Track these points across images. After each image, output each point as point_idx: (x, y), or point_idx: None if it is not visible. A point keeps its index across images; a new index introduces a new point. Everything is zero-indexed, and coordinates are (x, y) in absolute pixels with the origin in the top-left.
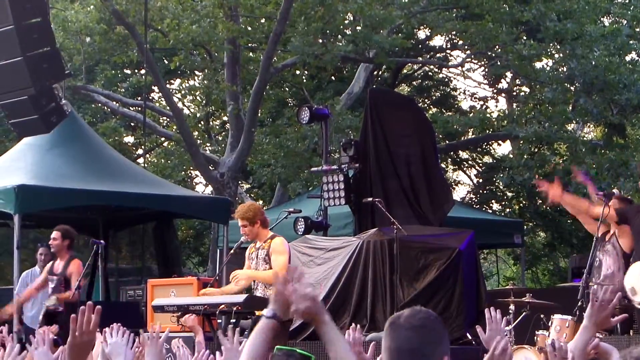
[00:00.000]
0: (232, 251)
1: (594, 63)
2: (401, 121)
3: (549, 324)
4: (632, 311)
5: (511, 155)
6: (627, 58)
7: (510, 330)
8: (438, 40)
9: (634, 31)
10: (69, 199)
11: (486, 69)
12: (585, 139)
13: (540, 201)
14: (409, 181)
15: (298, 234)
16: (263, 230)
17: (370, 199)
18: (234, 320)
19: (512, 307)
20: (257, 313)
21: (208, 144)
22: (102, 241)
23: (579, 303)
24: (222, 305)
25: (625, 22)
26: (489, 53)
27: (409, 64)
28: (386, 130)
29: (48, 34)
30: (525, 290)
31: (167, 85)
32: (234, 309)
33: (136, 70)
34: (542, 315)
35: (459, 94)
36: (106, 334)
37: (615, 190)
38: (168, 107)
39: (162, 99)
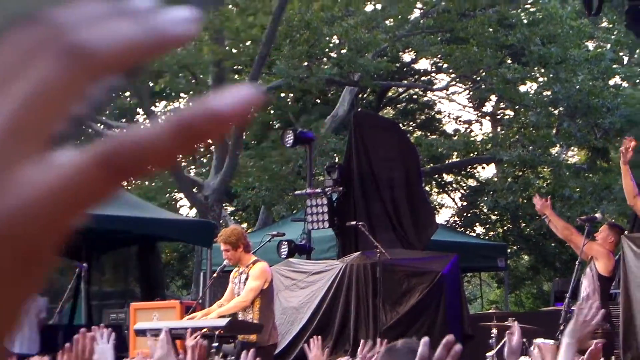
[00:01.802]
0: (215, 274)
1: (577, 87)
2: (385, 145)
3: (531, 348)
4: (612, 337)
5: (495, 179)
6: (611, 82)
7: (493, 356)
8: (423, 64)
9: (618, 55)
10: None
11: (471, 93)
12: (569, 162)
13: (524, 224)
14: (392, 205)
15: (281, 257)
16: (246, 255)
17: (353, 222)
18: (216, 344)
19: (494, 331)
20: (239, 337)
21: (192, 167)
22: (84, 264)
23: (561, 327)
24: (204, 329)
25: (609, 46)
26: (474, 76)
27: (394, 87)
28: (370, 154)
29: None
30: (508, 314)
31: (152, 108)
32: (217, 332)
33: (121, 93)
34: (524, 340)
35: (444, 117)
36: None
37: (597, 215)
38: None
39: (147, 121)
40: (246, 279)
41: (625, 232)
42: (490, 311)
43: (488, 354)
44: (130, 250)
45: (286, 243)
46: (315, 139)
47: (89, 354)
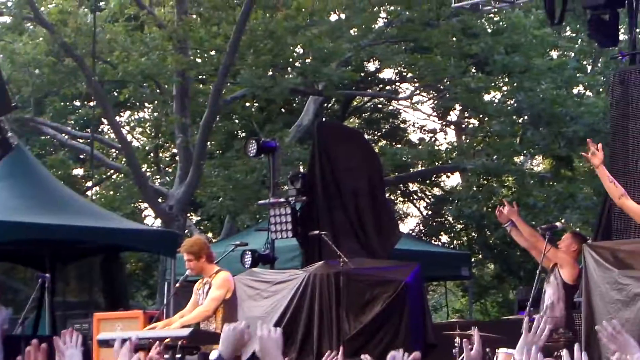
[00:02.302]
0: (177, 285)
1: (541, 96)
2: (349, 154)
3: (495, 357)
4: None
5: (460, 188)
6: (574, 91)
7: None
8: (387, 73)
9: (581, 64)
10: (16, 232)
11: (435, 102)
12: (533, 171)
13: (489, 233)
14: (356, 214)
15: (245, 267)
16: (208, 265)
17: (316, 232)
18: (179, 356)
19: (457, 340)
20: (202, 348)
21: (157, 177)
22: (47, 275)
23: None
24: (167, 339)
25: (573, 55)
26: (438, 86)
27: (359, 97)
28: (333, 163)
29: None
30: (471, 323)
31: (117, 118)
32: (179, 343)
33: (86, 102)
34: (487, 350)
35: (409, 127)
36: (60, 343)
37: (557, 223)
38: (117, 140)
39: (112, 131)
40: (209, 289)
41: (588, 240)
42: (453, 320)
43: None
44: (95, 260)
45: (250, 253)
46: (278, 149)
47: None
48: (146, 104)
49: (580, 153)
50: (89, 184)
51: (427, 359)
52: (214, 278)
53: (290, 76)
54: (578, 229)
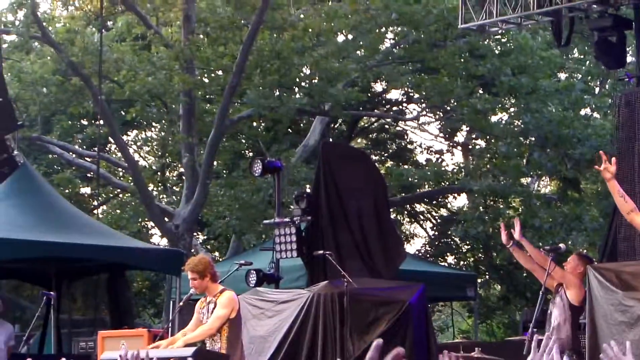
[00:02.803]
0: (181, 303)
1: (548, 117)
2: (354, 174)
3: None
4: None
5: (466, 209)
6: (582, 113)
7: None
8: (394, 94)
9: (588, 86)
10: (22, 250)
11: (442, 123)
12: (539, 192)
13: (495, 254)
14: (361, 234)
15: (250, 286)
16: (213, 285)
17: (321, 251)
18: None
19: None
20: None
21: (164, 196)
22: (52, 293)
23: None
24: (171, 359)
25: (580, 77)
26: (445, 106)
27: (365, 117)
28: (338, 183)
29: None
30: (475, 344)
31: (124, 137)
32: None
33: (93, 121)
34: None
35: (415, 147)
36: None
37: (561, 245)
38: (123, 159)
39: (118, 150)
40: (214, 307)
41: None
42: (457, 341)
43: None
44: (101, 278)
45: (254, 272)
46: (283, 168)
47: None
48: (153, 123)
49: (587, 174)
50: (96, 202)
51: None
52: (219, 297)
53: (297, 96)
54: (585, 251)
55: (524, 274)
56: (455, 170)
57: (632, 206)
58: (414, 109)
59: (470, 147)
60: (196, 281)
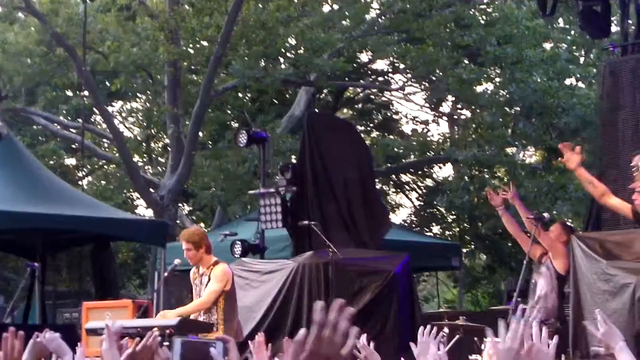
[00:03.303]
0: (165, 274)
1: (533, 87)
2: (339, 145)
3: (482, 347)
4: (564, 335)
5: (451, 179)
6: (566, 82)
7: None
8: (379, 64)
9: (573, 56)
10: (6, 221)
11: (427, 93)
12: (524, 162)
13: (480, 224)
14: (346, 204)
15: (235, 256)
16: (207, 256)
17: (306, 222)
18: (167, 344)
19: (445, 330)
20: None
21: (149, 167)
22: (36, 264)
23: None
24: (155, 328)
25: (565, 46)
26: (430, 77)
27: (351, 88)
28: (324, 154)
29: None
30: (459, 313)
31: (109, 108)
32: (167, 332)
33: (77, 92)
34: (475, 339)
35: (401, 118)
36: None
37: (545, 214)
38: (108, 130)
39: (103, 121)
40: (208, 280)
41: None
42: (441, 310)
43: (439, 352)
44: (85, 249)
45: (240, 243)
46: (268, 139)
47: (17, 354)
48: (138, 94)
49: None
50: (81, 174)
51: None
52: (213, 270)
53: (282, 67)
54: (569, 221)
55: (509, 244)
56: (440, 140)
57: (602, 189)
58: (400, 79)
59: (455, 117)
60: (191, 252)
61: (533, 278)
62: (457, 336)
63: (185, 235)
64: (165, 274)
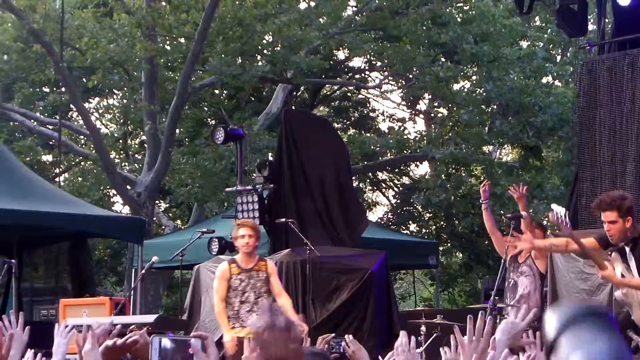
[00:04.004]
0: (143, 272)
1: (510, 85)
2: (316, 142)
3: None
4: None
5: (428, 177)
6: (543, 81)
7: (422, 353)
8: (356, 62)
9: (550, 54)
10: None
11: (404, 91)
12: (501, 160)
13: (457, 222)
14: (323, 202)
15: (212, 254)
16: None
17: (283, 219)
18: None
19: (423, 328)
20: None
21: (126, 163)
22: (12, 260)
23: None
24: (133, 326)
25: (542, 45)
26: (407, 74)
27: (328, 85)
28: (301, 151)
29: None
30: (437, 311)
31: (86, 104)
32: (144, 329)
33: (54, 89)
34: (452, 337)
35: (377, 115)
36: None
37: (523, 213)
38: (85, 126)
39: (80, 117)
40: (266, 276)
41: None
42: (419, 308)
43: (417, 350)
44: (62, 246)
45: (217, 240)
46: (245, 136)
47: (5, 352)
48: (115, 91)
49: (548, 142)
50: (57, 170)
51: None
52: (269, 265)
53: (259, 64)
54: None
55: (486, 242)
56: (417, 138)
57: (563, 241)
58: (376, 77)
59: (432, 115)
60: (252, 239)
61: (510, 277)
62: (435, 334)
63: (250, 223)
64: (143, 272)
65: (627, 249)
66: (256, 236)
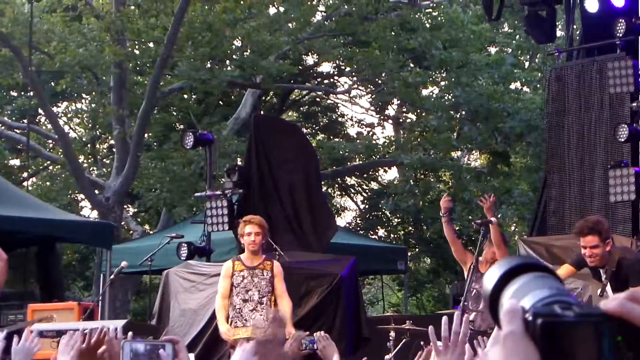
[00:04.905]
0: (112, 277)
1: (478, 91)
2: (285, 147)
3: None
4: None
5: (396, 182)
6: (512, 87)
7: (391, 358)
8: (325, 67)
9: (518, 60)
10: None
11: (373, 96)
12: (469, 166)
13: (425, 227)
14: (292, 207)
15: (181, 259)
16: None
17: None
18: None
19: (392, 334)
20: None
21: (94, 168)
22: None
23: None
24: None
25: (510, 51)
26: (376, 80)
27: (297, 90)
28: (270, 157)
29: None
30: (406, 317)
31: (54, 108)
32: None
33: (23, 93)
34: (422, 342)
35: (346, 121)
36: None
37: (492, 219)
38: (53, 131)
39: (48, 122)
40: (271, 276)
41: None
42: (387, 314)
43: (386, 356)
44: (30, 251)
45: (186, 245)
46: (215, 141)
47: None
48: (83, 95)
49: (516, 148)
50: (25, 174)
51: (360, 352)
52: (275, 266)
53: (229, 69)
54: (514, 225)
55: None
56: (386, 143)
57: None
58: (345, 82)
59: (401, 120)
60: (259, 237)
61: (473, 287)
62: (404, 340)
63: (257, 219)
64: (112, 277)
65: (602, 271)
66: (263, 233)
